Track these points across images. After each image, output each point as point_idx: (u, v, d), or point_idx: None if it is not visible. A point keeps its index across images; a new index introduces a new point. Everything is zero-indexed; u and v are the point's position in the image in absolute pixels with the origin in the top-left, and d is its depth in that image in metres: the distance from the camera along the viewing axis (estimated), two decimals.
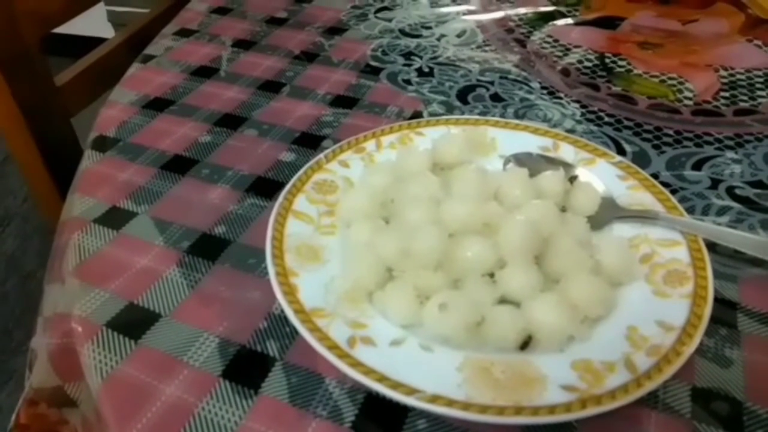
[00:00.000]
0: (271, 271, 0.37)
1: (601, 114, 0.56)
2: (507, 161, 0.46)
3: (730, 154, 0.51)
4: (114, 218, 0.46)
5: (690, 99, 0.58)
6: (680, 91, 0.60)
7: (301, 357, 0.36)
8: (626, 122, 0.55)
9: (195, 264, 0.42)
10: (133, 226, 0.46)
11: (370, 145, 0.48)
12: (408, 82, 0.61)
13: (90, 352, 0.37)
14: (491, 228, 0.38)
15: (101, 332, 0.38)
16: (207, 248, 0.43)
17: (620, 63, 0.64)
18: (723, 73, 0.62)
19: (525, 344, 0.35)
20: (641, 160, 0.50)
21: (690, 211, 0.45)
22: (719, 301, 0.38)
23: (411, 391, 0.32)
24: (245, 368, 0.36)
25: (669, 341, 0.34)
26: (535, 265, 0.37)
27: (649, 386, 0.31)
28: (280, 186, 0.48)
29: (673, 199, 0.43)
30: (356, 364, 0.33)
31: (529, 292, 0.36)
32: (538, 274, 0.36)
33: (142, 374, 0.36)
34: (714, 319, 0.35)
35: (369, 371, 0.32)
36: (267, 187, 0.48)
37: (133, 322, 0.39)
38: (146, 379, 0.35)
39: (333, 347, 0.34)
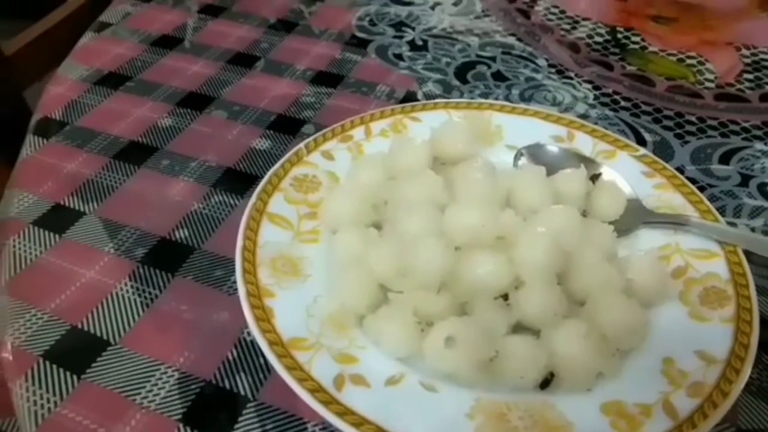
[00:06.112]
0: (242, 291, 0.31)
1: (617, 97, 0.51)
2: (518, 155, 0.40)
3: (759, 146, 0.47)
4: (57, 219, 0.40)
5: (711, 81, 0.53)
6: (701, 72, 0.54)
7: (279, 396, 0.30)
8: (644, 107, 0.50)
9: (151, 277, 0.36)
10: (79, 229, 0.39)
11: (358, 132, 0.42)
12: (399, 57, 0.55)
13: (22, 390, 0.31)
14: (505, 241, 0.32)
15: (37, 365, 0.32)
16: (166, 257, 0.37)
17: (634, 39, 0.58)
18: (745, 52, 0.57)
19: (546, 382, 0.30)
20: (663, 151, 0.46)
21: (720, 212, 0.40)
22: (764, 322, 0.33)
23: None
24: (210, 411, 0.30)
25: (712, 377, 0.29)
26: (558, 285, 0.31)
27: None
28: (253, 180, 0.42)
29: (707, 201, 0.38)
30: (346, 413, 0.27)
31: (550, 317, 0.30)
32: (562, 297, 0.31)
33: (86, 419, 0.30)
34: (759, 345, 0.31)
35: (361, 421, 0.27)
36: (238, 182, 0.43)
37: (76, 352, 0.32)
38: (91, 425, 0.29)
39: (317, 390, 0.28)
